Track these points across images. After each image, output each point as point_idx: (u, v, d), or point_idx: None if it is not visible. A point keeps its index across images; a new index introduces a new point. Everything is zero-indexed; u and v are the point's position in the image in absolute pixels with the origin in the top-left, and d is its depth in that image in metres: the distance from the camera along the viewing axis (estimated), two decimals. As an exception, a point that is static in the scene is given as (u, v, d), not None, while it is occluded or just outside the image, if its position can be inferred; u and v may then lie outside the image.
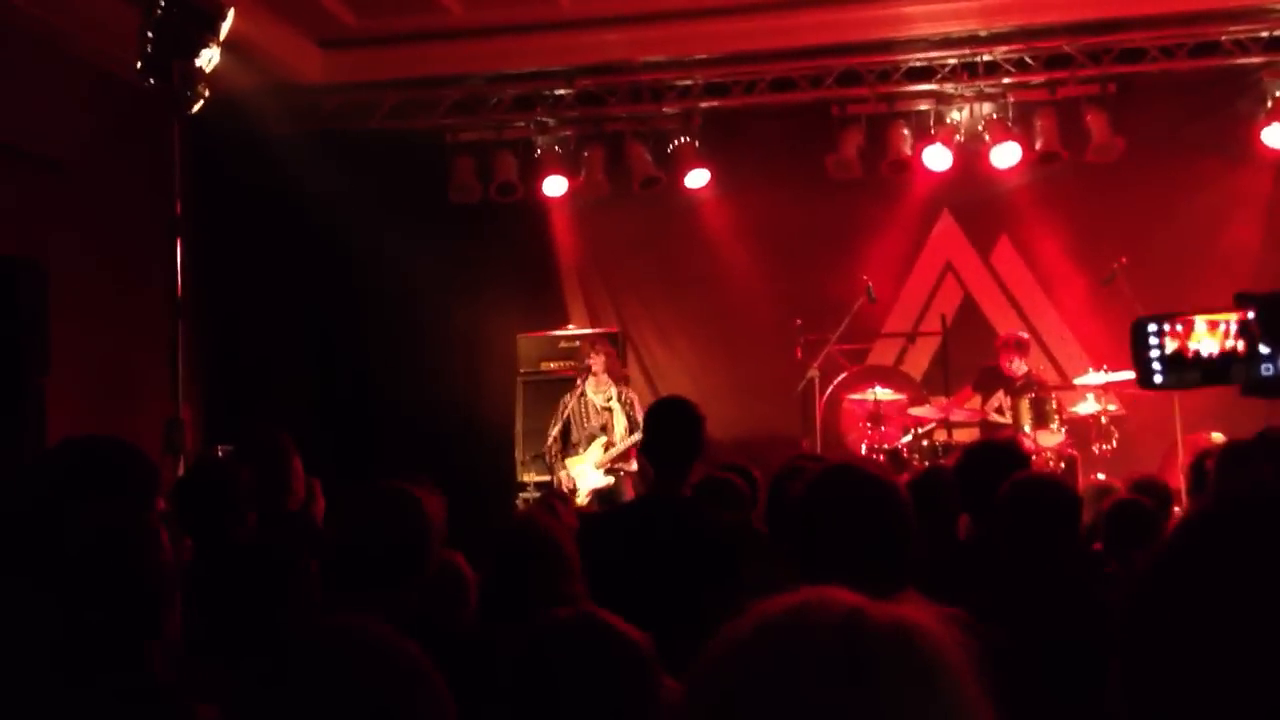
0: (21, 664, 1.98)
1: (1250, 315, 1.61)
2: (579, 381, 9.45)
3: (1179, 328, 1.66)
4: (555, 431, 9.41)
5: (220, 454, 8.51)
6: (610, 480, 9.16)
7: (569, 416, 9.41)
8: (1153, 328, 1.69)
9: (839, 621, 1.12)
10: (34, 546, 2.09)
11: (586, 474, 9.28)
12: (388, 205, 10.48)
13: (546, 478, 9.90)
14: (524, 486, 10.15)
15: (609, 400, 9.35)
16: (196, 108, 7.49)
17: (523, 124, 11.31)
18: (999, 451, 4.35)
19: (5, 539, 2.20)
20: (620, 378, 9.66)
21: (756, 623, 1.15)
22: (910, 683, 1.10)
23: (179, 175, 7.42)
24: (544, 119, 11.24)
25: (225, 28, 7.23)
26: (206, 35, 7.23)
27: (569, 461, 9.35)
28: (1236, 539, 1.15)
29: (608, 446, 9.24)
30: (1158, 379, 1.69)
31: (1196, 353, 1.66)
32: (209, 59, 7.35)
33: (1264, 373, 1.60)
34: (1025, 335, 10.08)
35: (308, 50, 10.54)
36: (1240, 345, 1.63)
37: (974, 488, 4.05)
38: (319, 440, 5.53)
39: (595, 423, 9.33)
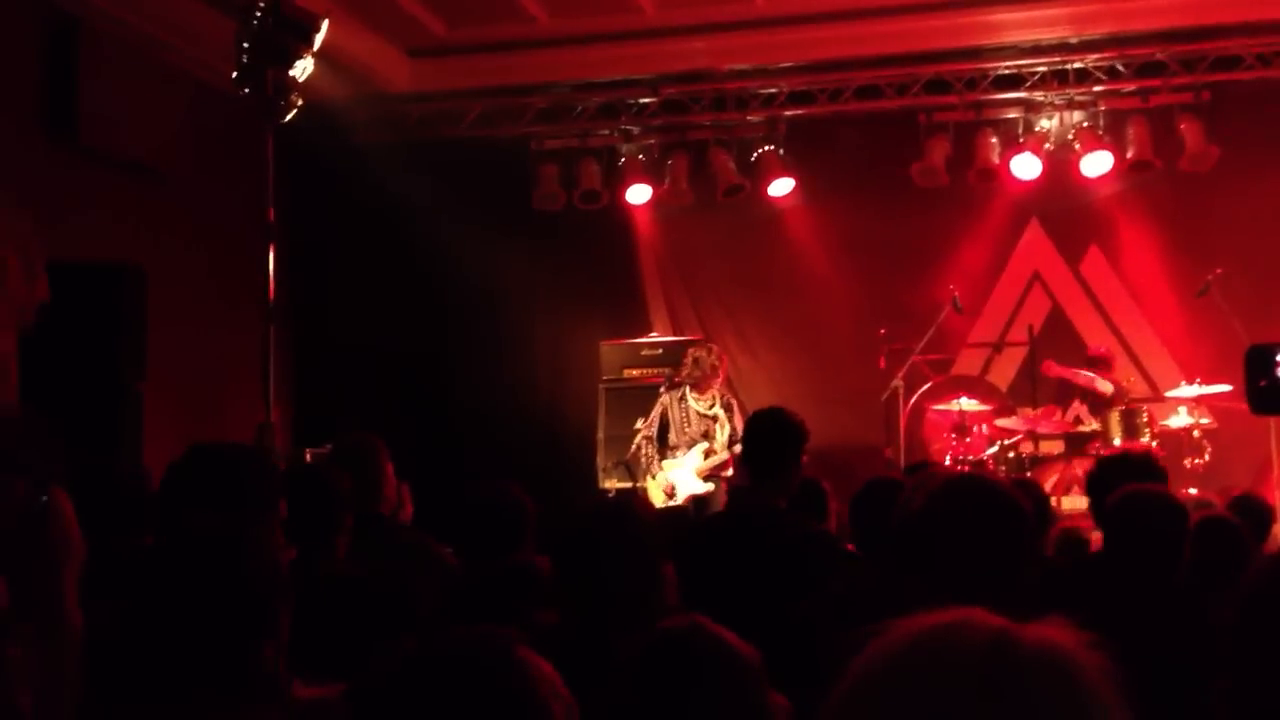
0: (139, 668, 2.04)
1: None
2: (681, 385, 9.43)
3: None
4: (651, 431, 9.38)
5: (309, 458, 8.67)
6: (710, 487, 9.13)
7: (667, 418, 9.38)
8: (1267, 354, 1.67)
9: (988, 644, 1.11)
10: (164, 557, 2.15)
11: (686, 479, 9.25)
12: (473, 212, 10.58)
13: (628, 484, 9.91)
14: (606, 494, 10.17)
15: (712, 408, 9.29)
16: (289, 116, 7.61)
17: (607, 132, 11.36)
18: (1136, 464, 4.15)
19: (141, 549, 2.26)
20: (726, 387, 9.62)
21: (902, 645, 1.13)
22: (1063, 709, 1.08)
23: (272, 183, 7.54)
24: (628, 127, 11.28)
25: (319, 38, 7.34)
26: (301, 45, 7.34)
27: (666, 464, 9.32)
28: None
29: (708, 454, 9.20)
30: (1269, 406, 1.67)
31: None
32: (303, 69, 7.47)
33: None
34: (1106, 353, 9.95)
35: (397, 59, 10.70)
36: None
37: (1102, 500, 3.91)
38: (405, 446, 5.59)
39: (697, 429, 9.26)
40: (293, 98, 7.54)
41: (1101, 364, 9.74)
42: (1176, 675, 2.23)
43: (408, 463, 6.34)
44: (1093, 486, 4.15)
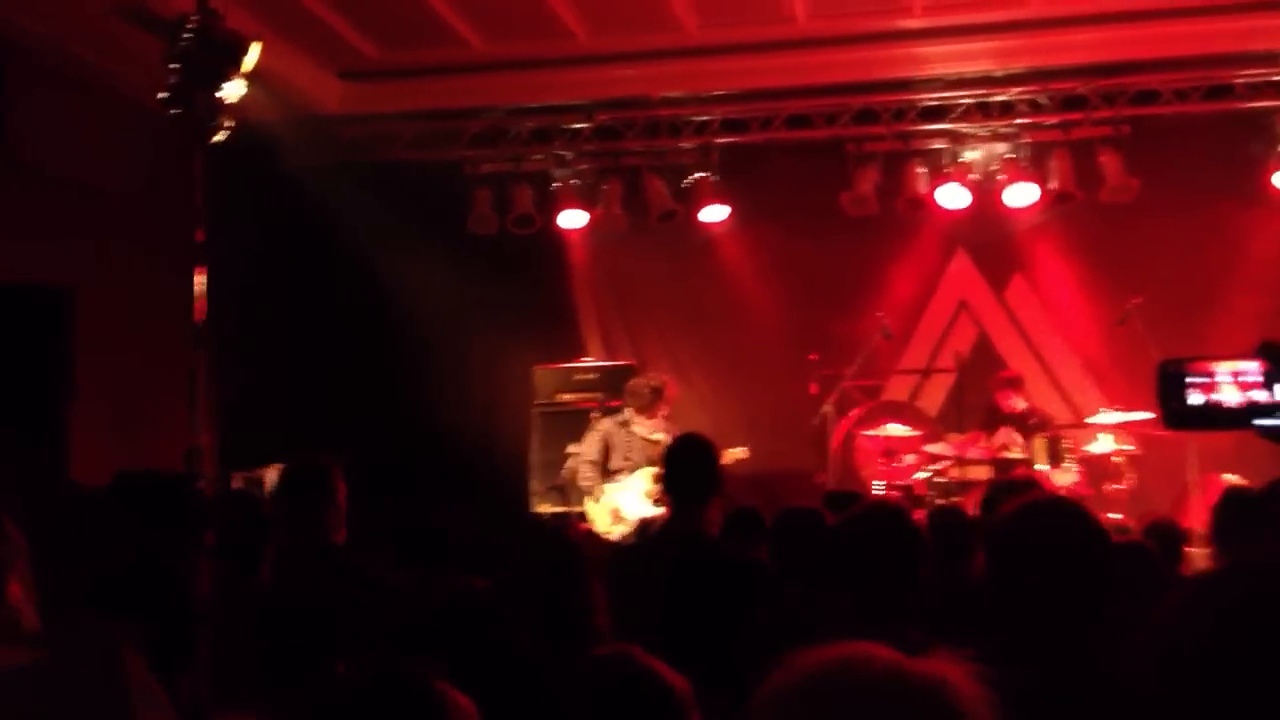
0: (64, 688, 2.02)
1: (1270, 366, 1.65)
2: (623, 410, 9.50)
3: (1204, 378, 1.70)
4: (594, 455, 9.39)
5: (240, 483, 8.59)
6: (660, 511, 9.17)
7: (609, 443, 9.41)
8: (1177, 372, 1.73)
9: (883, 680, 1.17)
10: (87, 575, 2.14)
11: (634, 502, 9.26)
12: (407, 235, 10.56)
13: (561, 509, 9.92)
14: (541, 517, 10.16)
15: (656, 433, 9.36)
16: (220, 138, 7.57)
17: (541, 157, 11.41)
18: (1021, 489, 4.34)
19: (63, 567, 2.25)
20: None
21: (800, 680, 1.19)
22: None
23: (202, 204, 7.49)
24: (562, 152, 11.34)
25: (250, 60, 7.32)
26: (230, 67, 7.31)
27: (609, 487, 9.34)
28: (1241, 611, 1.21)
29: (658, 479, 9.22)
30: (1182, 422, 1.73)
31: (1220, 400, 1.71)
32: (233, 91, 7.44)
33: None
34: (1017, 373, 10.14)
35: (328, 82, 10.67)
36: (1263, 395, 1.67)
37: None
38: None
39: (641, 453, 9.31)
40: (223, 119, 7.50)
41: (1014, 384, 9.91)
42: (1080, 703, 2.29)
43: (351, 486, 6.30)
44: (985, 511, 4.27)
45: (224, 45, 7.35)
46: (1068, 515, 2.56)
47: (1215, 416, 1.71)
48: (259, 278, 10.45)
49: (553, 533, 3.35)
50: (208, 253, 7.62)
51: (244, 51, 7.21)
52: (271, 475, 8.93)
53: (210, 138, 7.52)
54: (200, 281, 7.37)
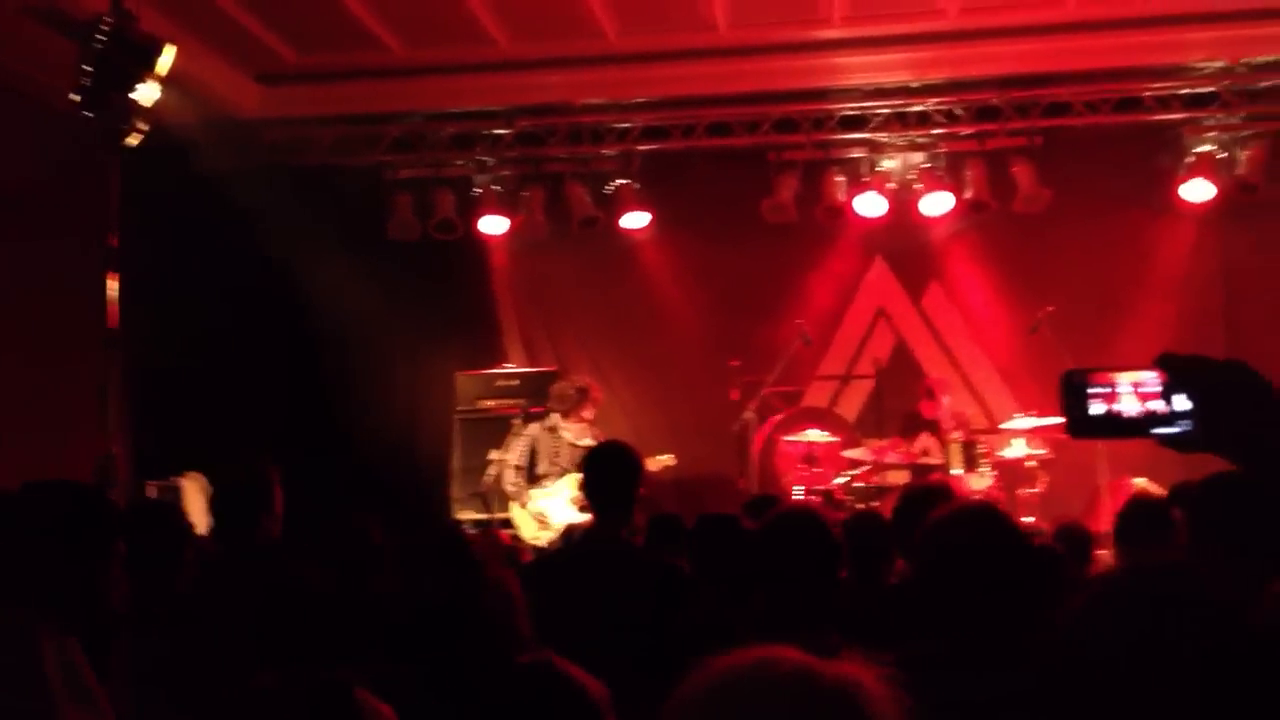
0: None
1: (1168, 377, 1.71)
2: (548, 415, 9.48)
3: (1106, 389, 1.76)
4: (521, 460, 9.35)
5: (155, 492, 8.45)
6: (586, 517, 9.14)
7: (536, 448, 9.38)
8: (1080, 382, 1.78)
9: (793, 682, 1.19)
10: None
11: (560, 508, 9.24)
12: (327, 240, 10.44)
13: (482, 515, 9.88)
14: (458, 524, 10.11)
15: (582, 439, 9.34)
16: (133, 141, 7.46)
17: (462, 162, 11.37)
18: (933, 495, 4.44)
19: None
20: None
21: (713, 682, 1.22)
22: None
23: (115, 208, 7.38)
24: (483, 158, 11.31)
25: (164, 63, 7.22)
26: (145, 70, 7.21)
27: (535, 493, 9.31)
28: (1133, 612, 1.26)
29: (583, 485, 9.19)
30: (1085, 431, 1.79)
31: (1120, 410, 1.76)
32: (147, 94, 7.33)
33: (1178, 430, 1.70)
34: (941, 381, 10.29)
35: (245, 85, 10.53)
36: (1160, 405, 1.73)
37: (908, 530, 4.13)
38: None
39: (568, 458, 9.28)
40: (137, 122, 7.40)
41: (944, 390, 10.06)
42: (991, 702, 2.34)
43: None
44: (897, 516, 4.35)
45: (138, 47, 7.25)
46: (990, 522, 2.62)
47: (1116, 425, 1.76)
48: (175, 282, 10.27)
49: (448, 539, 3.33)
50: (122, 257, 7.51)
51: (158, 54, 7.12)
52: (187, 483, 8.80)
53: (124, 140, 7.41)
54: (113, 286, 7.26)
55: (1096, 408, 1.76)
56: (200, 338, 10.44)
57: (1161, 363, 1.69)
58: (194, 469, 8.77)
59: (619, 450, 4.41)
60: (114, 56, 7.12)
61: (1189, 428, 1.69)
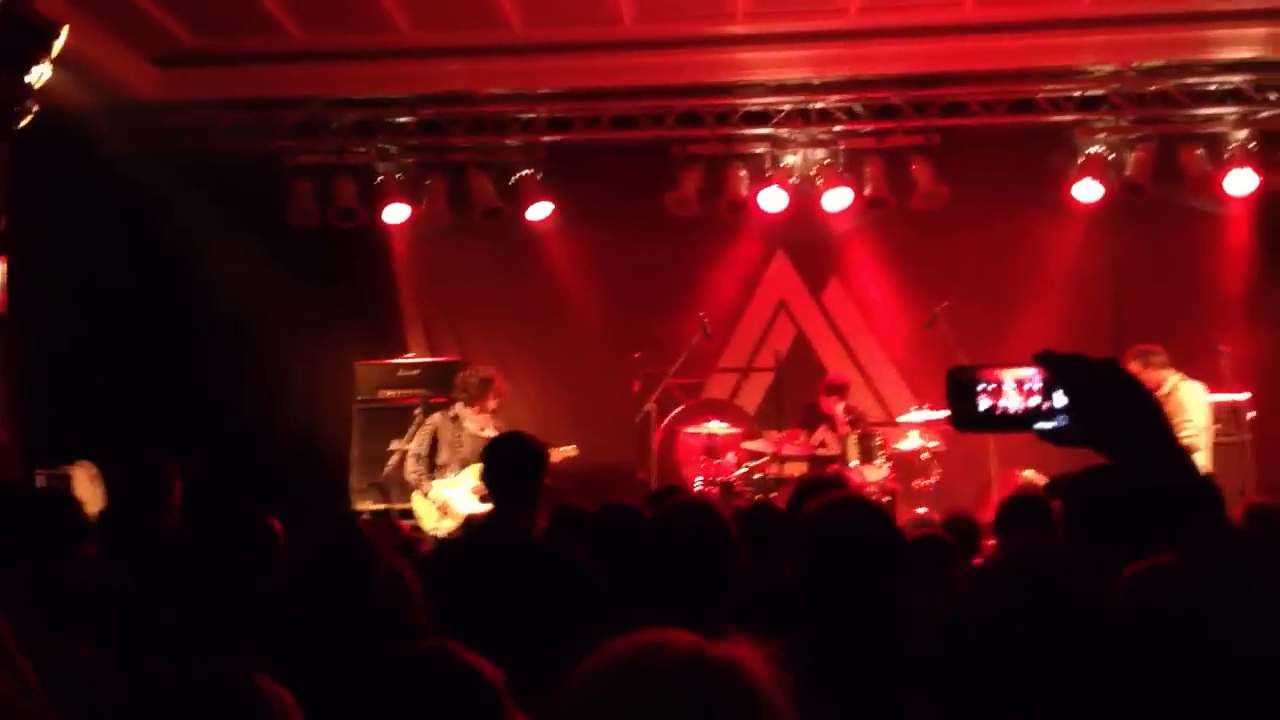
0: None
1: (1047, 374, 1.78)
2: (451, 405, 9.43)
3: (991, 385, 1.82)
4: (422, 449, 9.29)
5: (45, 481, 8.25)
6: (488, 507, 9.08)
7: (438, 437, 9.33)
8: (966, 379, 1.85)
9: (682, 661, 1.25)
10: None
11: (463, 498, 9.20)
12: (226, 226, 10.29)
13: (381, 505, 9.82)
14: (358, 515, 10.04)
15: (485, 429, 9.31)
16: (24, 123, 7.30)
17: (364, 150, 11.27)
18: (826, 485, 4.54)
19: None
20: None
21: (607, 662, 1.26)
22: (743, 716, 1.23)
23: (5, 191, 7.21)
24: (385, 145, 11.22)
25: (58, 45, 7.07)
26: (38, 51, 7.05)
27: (438, 483, 9.26)
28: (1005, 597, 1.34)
29: (484, 474, 9.16)
30: (970, 425, 1.86)
31: (1005, 406, 1.83)
32: (39, 75, 7.17)
33: (1057, 425, 1.78)
34: (844, 380, 10.46)
35: (141, 68, 10.32)
36: (1041, 401, 1.80)
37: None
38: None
39: (470, 449, 9.23)
40: (28, 104, 7.24)
41: (840, 390, 10.22)
42: (877, 686, 2.42)
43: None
44: (791, 508, 4.45)
45: (31, 28, 7.09)
46: (863, 512, 2.70)
47: (1000, 421, 1.83)
48: (67, 267, 10.03)
49: (341, 530, 3.34)
50: (11, 240, 7.34)
51: (53, 35, 6.97)
52: (78, 472, 8.61)
53: (15, 123, 7.25)
54: (1, 270, 7.10)
55: (983, 403, 1.83)
56: (92, 323, 10.23)
57: (1041, 360, 1.77)
58: (84, 457, 8.58)
59: (521, 441, 4.43)
60: (5, 37, 6.96)
61: (1065, 423, 1.77)
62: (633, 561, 2.81)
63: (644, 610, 2.92)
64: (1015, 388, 1.82)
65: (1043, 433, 1.80)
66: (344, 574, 3.06)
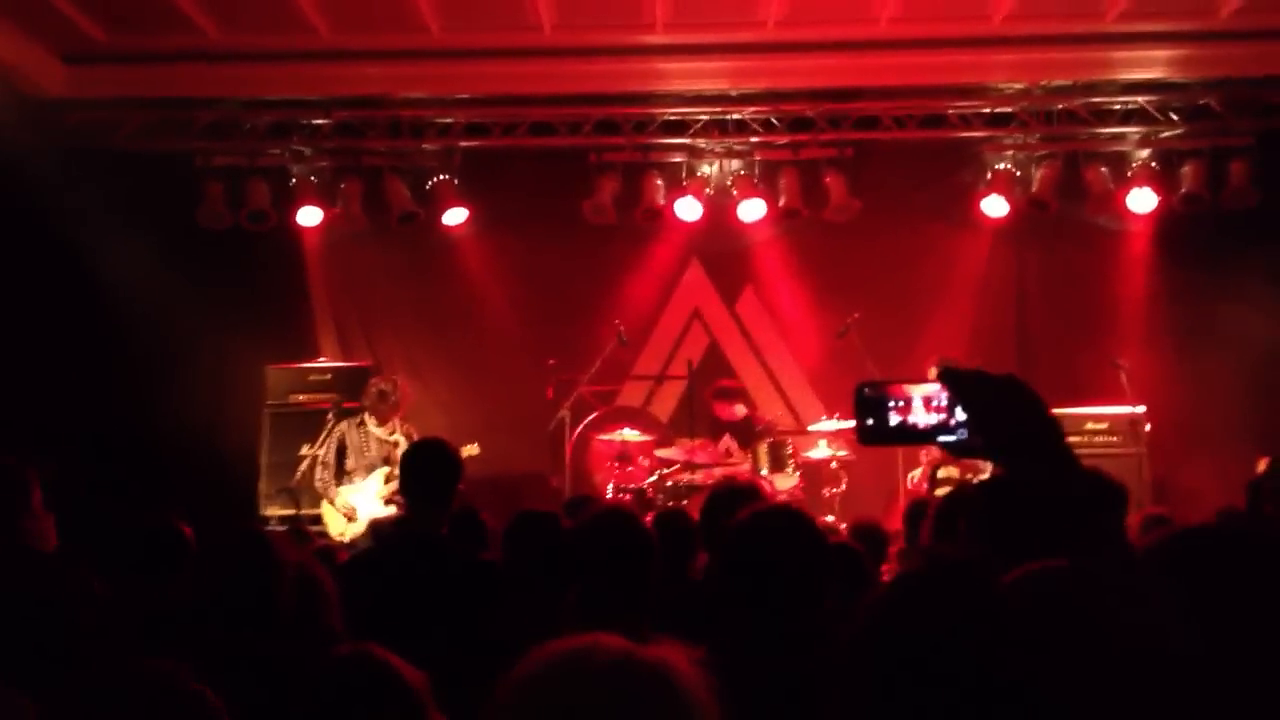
0: None
1: (950, 389, 1.86)
2: (359, 412, 9.38)
3: (900, 401, 1.90)
4: (329, 457, 9.24)
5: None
6: (392, 510, 9.07)
7: (344, 443, 9.29)
8: (875, 395, 1.92)
9: (614, 664, 1.29)
10: None
11: (366, 503, 9.16)
12: (133, 227, 10.07)
13: (290, 511, 9.72)
14: (266, 520, 9.93)
15: (393, 434, 9.30)
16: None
17: (278, 152, 11.16)
18: (740, 493, 4.60)
19: None
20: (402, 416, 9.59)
21: (539, 666, 1.30)
22: (670, 716, 1.28)
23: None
24: (300, 148, 11.12)
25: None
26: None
27: (343, 489, 9.21)
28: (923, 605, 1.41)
29: (389, 478, 9.17)
30: (877, 439, 1.93)
31: (912, 422, 1.91)
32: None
33: (959, 438, 1.86)
34: (733, 383, 10.58)
35: (50, 64, 10.11)
36: (945, 416, 1.88)
37: (715, 527, 4.28)
38: (57, 470, 5.28)
39: (376, 453, 9.23)
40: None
41: (729, 394, 10.32)
42: (798, 692, 2.48)
43: (59, 488, 6.01)
44: (705, 514, 4.52)
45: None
46: (794, 523, 2.76)
47: (907, 434, 1.91)
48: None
49: (246, 540, 3.33)
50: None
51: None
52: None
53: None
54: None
55: (893, 419, 1.91)
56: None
57: (944, 376, 1.84)
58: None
59: (439, 448, 4.44)
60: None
61: (966, 435, 1.85)
62: (554, 567, 2.84)
63: (560, 615, 2.96)
64: (923, 404, 1.90)
65: (946, 445, 1.88)
66: (252, 577, 3.06)
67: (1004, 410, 1.76)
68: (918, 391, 1.91)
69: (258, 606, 3.02)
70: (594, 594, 2.62)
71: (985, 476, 8.38)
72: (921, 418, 1.89)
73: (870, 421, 1.92)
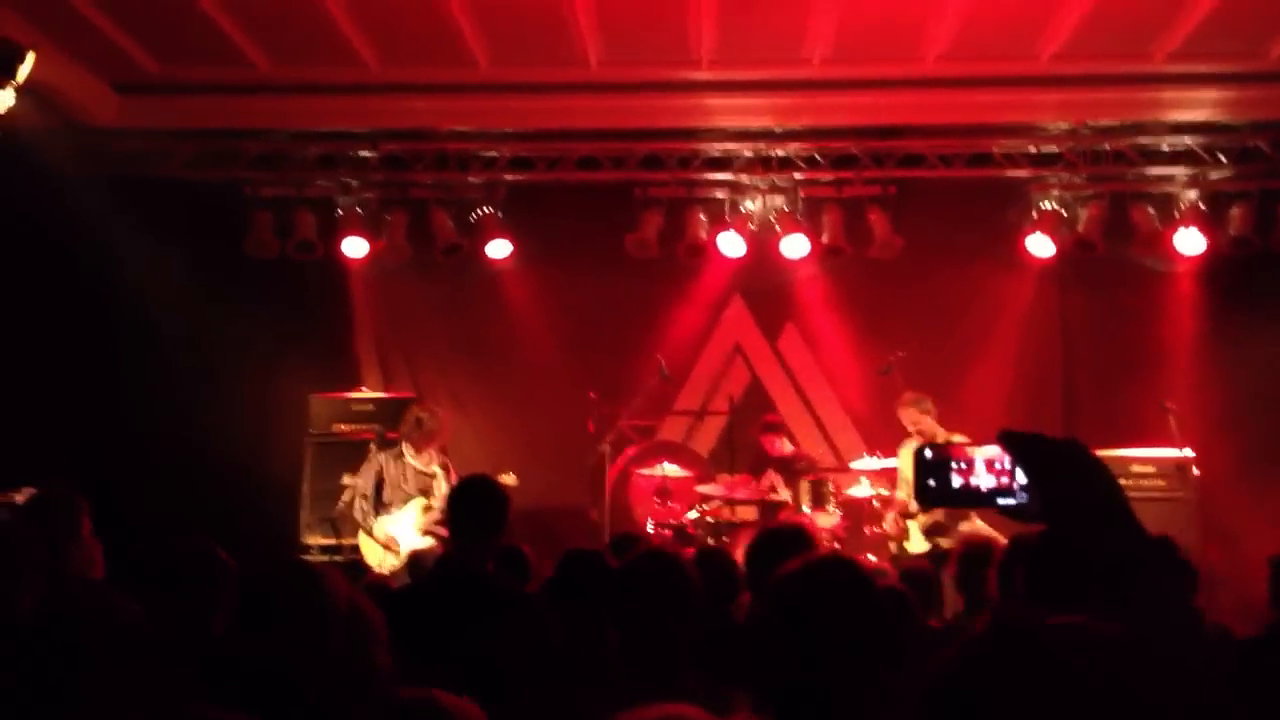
0: None
1: (1009, 452, 1.84)
2: (397, 443, 9.44)
3: (963, 464, 1.89)
4: (368, 488, 9.28)
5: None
6: (430, 542, 9.10)
7: (382, 475, 9.33)
8: (937, 457, 1.91)
9: None
10: None
11: (405, 533, 9.19)
12: (181, 255, 10.22)
13: (331, 540, 9.76)
14: (308, 549, 9.97)
15: (430, 465, 9.34)
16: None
17: (325, 183, 11.26)
18: (789, 536, 4.52)
19: None
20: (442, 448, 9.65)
21: None
22: None
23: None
24: (347, 179, 11.22)
25: (24, 71, 7.04)
26: (2, 77, 7.02)
27: (381, 519, 9.24)
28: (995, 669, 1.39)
29: (427, 509, 9.21)
30: (939, 501, 1.92)
31: (975, 484, 1.89)
32: (2, 101, 7.14)
33: (1018, 502, 1.84)
34: (780, 418, 10.56)
35: (103, 94, 10.26)
36: (1005, 480, 1.86)
37: (762, 570, 4.22)
38: (99, 498, 5.33)
39: (414, 485, 9.28)
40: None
41: (776, 428, 10.31)
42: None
43: (103, 517, 6.06)
44: (751, 556, 4.44)
45: (-3, 53, 7.06)
46: (852, 577, 2.73)
47: (967, 498, 1.89)
48: (16, 295, 9.91)
49: (292, 577, 3.31)
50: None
51: (19, 61, 6.94)
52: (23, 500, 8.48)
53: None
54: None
55: (956, 481, 1.90)
56: (46, 353, 10.07)
57: (1002, 439, 1.82)
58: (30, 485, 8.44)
59: (486, 484, 4.44)
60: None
61: (1026, 500, 1.83)
62: (599, 607, 2.83)
63: (602, 657, 2.94)
64: (985, 466, 1.88)
65: (1005, 509, 1.86)
66: (302, 614, 3.04)
67: (1065, 475, 1.72)
68: (980, 454, 1.90)
69: (307, 644, 3.01)
70: (636, 638, 2.60)
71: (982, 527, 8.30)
72: (984, 480, 1.88)
73: (932, 483, 1.91)
